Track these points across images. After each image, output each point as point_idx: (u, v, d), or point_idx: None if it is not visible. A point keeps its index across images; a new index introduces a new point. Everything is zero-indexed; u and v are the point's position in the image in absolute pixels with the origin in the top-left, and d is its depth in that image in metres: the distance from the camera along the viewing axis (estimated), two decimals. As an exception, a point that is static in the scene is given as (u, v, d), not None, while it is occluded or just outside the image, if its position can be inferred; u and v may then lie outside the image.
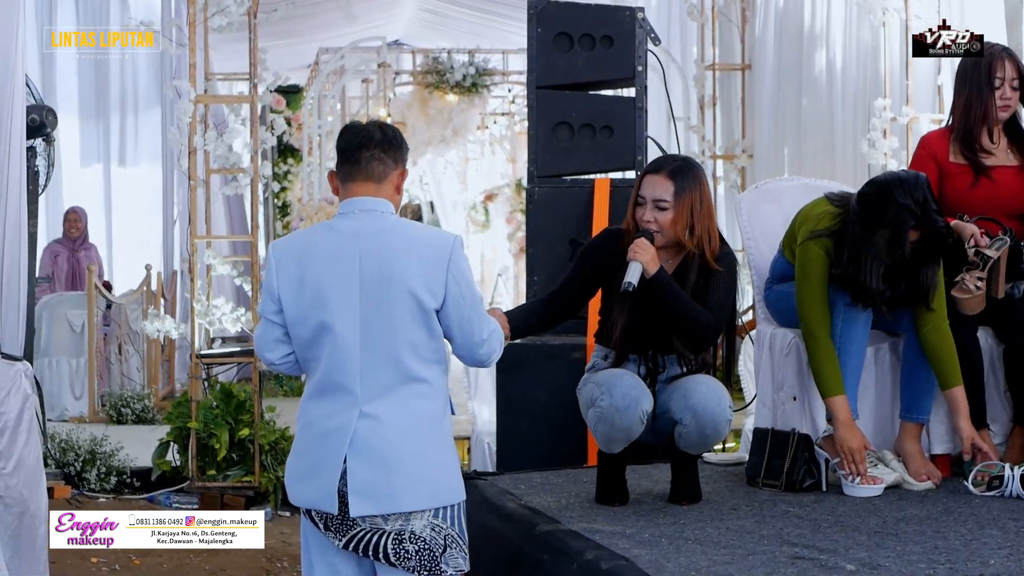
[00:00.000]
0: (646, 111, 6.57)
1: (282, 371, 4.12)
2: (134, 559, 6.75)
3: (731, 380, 5.09)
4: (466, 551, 3.98)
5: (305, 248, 3.96)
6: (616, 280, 4.78)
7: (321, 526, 3.93)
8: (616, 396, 4.72)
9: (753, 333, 6.25)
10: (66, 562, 6.58)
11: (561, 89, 6.57)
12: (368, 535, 3.86)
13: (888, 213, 5.03)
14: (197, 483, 7.98)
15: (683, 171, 4.85)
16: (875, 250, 5.06)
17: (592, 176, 6.66)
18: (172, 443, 8.20)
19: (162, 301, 12.34)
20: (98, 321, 11.45)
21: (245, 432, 7.92)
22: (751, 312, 8.23)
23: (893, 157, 8.76)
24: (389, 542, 3.85)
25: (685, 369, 4.91)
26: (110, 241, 14.46)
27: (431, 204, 23.49)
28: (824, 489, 5.21)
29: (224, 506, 7.88)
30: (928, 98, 8.99)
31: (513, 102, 17.42)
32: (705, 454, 5.86)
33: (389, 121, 16.08)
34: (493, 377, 6.65)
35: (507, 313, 4.92)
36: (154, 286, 12.16)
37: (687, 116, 12.44)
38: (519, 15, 11.71)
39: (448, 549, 3.91)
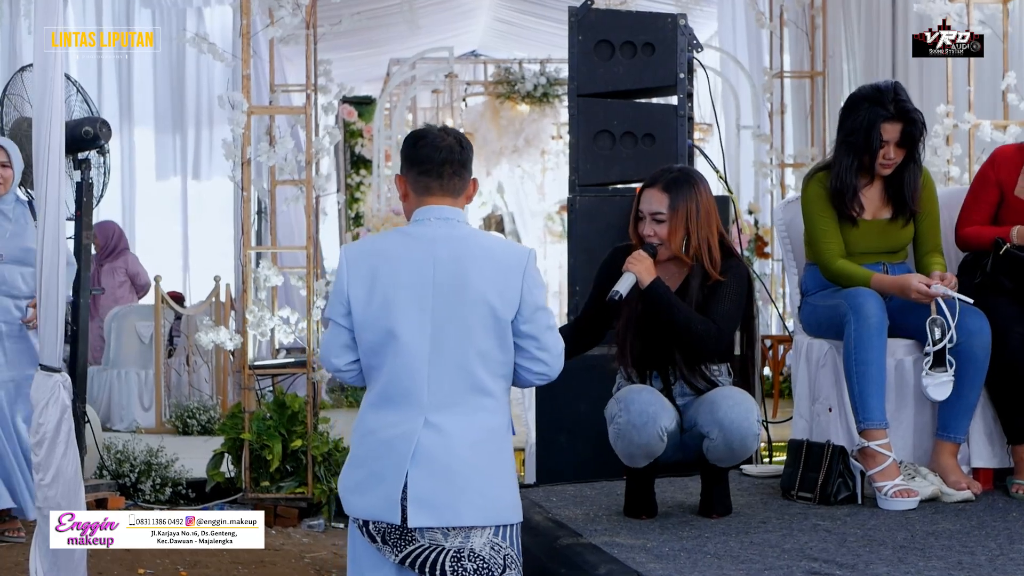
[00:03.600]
0: (688, 119, 6.48)
1: (345, 379, 4.00)
2: (181, 570, 6.76)
3: (752, 390, 5.00)
4: (522, 572, 3.90)
5: (377, 251, 3.90)
6: (625, 300, 4.75)
7: (378, 539, 3.84)
8: (633, 413, 4.66)
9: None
10: (112, 573, 6.60)
11: (602, 97, 6.51)
12: (426, 551, 3.78)
13: (861, 112, 5.29)
14: (250, 494, 7.98)
15: (678, 182, 4.82)
16: (851, 148, 5.33)
17: (634, 185, 6.59)
18: (226, 454, 8.21)
19: (232, 312, 12.39)
20: (166, 332, 11.53)
21: (298, 443, 7.91)
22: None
23: (956, 164, 8.61)
24: (447, 560, 3.78)
25: (701, 387, 4.84)
26: (186, 253, 14.59)
27: (512, 215, 23.48)
28: (859, 502, 5.10)
29: (278, 517, 7.89)
30: (991, 104, 8.84)
31: (588, 111, 17.31)
32: (745, 466, 5.79)
33: (461, 131, 16.10)
34: (546, 390, 6.60)
35: None
36: (223, 297, 12.21)
37: (756, 124, 12.36)
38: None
39: (507, 570, 3.83)
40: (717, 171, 6.52)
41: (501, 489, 3.85)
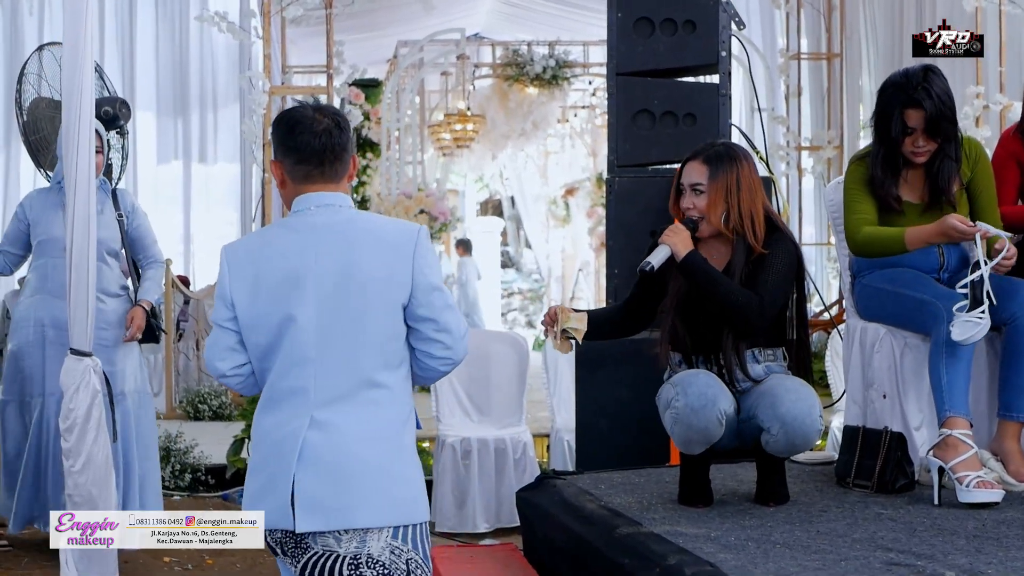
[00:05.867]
0: (730, 98, 6.35)
1: (232, 385, 3.71)
2: (207, 559, 6.64)
3: (810, 376, 4.85)
4: None
5: (259, 249, 3.65)
6: (672, 278, 4.67)
7: (279, 550, 3.59)
8: (692, 396, 4.52)
9: (842, 328, 6.02)
10: (138, 562, 6.50)
11: (642, 76, 6.36)
12: (322, 559, 3.51)
13: (886, 97, 5.15)
14: (272, 481, 7.84)
15: (719, 155, 4.72)
16: (878, 136, 5.19)
17: (674, 165, 6.44)
18: (246, 440, 8.08)
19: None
20: (174, 317, 11.39)
21: (320, 429, 7.78)
22: (837, 306, 7.95)
23: (986, 146, 8.48)
24: (344, 567, 3.49)
25: (750, 380, 4.71)
26: (188, 237, 14.45)
27: (512, 199, 23.36)
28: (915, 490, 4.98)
29: (298, 504, 7.76)
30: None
31: (594, 95, 17.24)
32: (792, 453, 5.66)
33: (468, 114, 15.95)
34: (572, 374, 6.47)
35: (587, 312, 4.82)
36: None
37: (771, 107, 12.24)
38: (599, 6, 11.50)
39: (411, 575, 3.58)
40: (757, 151, 6.39)
41: (398, 486, 3.57)
